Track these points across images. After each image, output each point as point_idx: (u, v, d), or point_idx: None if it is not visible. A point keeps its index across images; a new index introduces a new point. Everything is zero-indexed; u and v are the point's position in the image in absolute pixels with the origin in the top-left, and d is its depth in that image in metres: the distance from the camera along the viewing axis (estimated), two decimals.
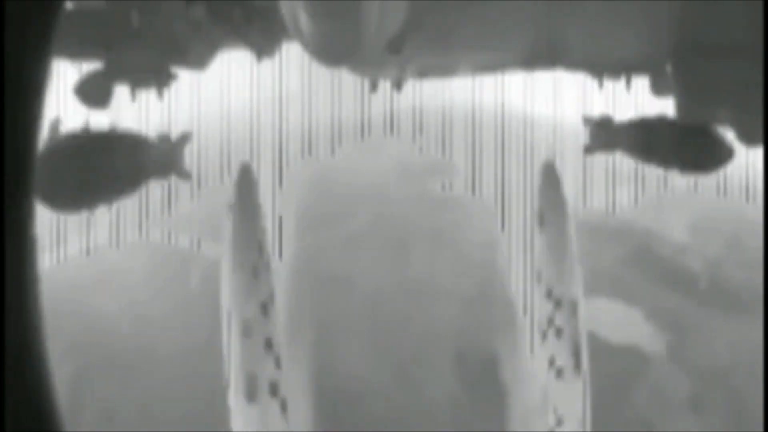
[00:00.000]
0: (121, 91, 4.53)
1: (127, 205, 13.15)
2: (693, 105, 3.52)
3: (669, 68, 3.89)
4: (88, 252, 13.44)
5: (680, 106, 3.62)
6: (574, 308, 7.57)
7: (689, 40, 3.29)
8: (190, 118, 11.79)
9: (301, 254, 14.81)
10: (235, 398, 7.00)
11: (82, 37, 3.86)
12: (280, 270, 14.29)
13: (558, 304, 7.48)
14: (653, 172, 14.32)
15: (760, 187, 11.27)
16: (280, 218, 15.40)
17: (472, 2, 2.78)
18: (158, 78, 4.45)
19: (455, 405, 12.01)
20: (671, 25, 3.19)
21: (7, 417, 1.17)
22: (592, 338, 12.82)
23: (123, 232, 13.76)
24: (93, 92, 4.46)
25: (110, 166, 4.96)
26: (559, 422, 6.98)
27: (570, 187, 14.80)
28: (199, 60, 4.40)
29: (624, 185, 14.96)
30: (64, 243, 11.51)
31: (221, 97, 12.26)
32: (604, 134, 5.82)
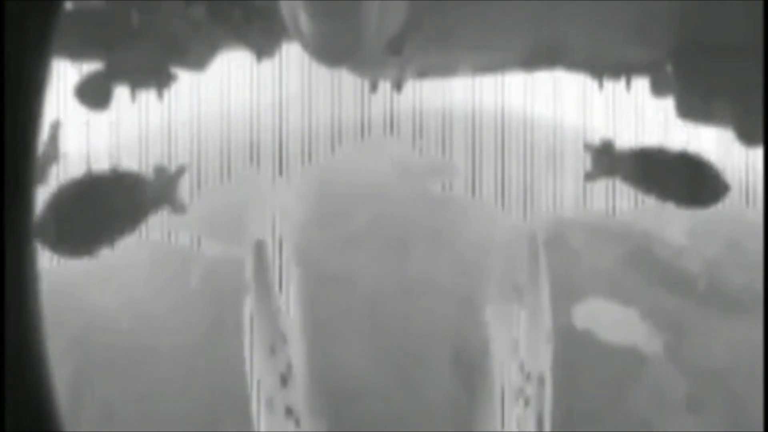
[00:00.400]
0: (121, 92, 4.53)
1: None
2: (693, 105, 3.52)
3: (669, 68, 3.89)
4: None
5: (680, 107, 3.62)
6: (542, 382, 8.25)
7: (689, 41, 3.29)
8: (190, 118, 11.81)
9: (301, 253, 14.81)
10: None
11: (82, 37, 3.85)
12: (279, 268, 14.31)
13: (528, 377, 8.20)
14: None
15: (760, 190, 11.27)
16: (280, 218, 15.43)
17: (472, 2, 2.78)
18: (158, 78, 4.45)
19: (453, 404, 12.03)
20: (671, 26, 3.19)
21: (7, 417, 1.17)
22: (591, 338, 12.88)
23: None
24: (93, 93, 4.46)
25: (111, 210, 5.04)
26: None
27: (570, 188, 14.86)
28: (199, 60, 4.39)
29: (624, 188, 14.94)
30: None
31: (221, 98, 12.26)
32: (606, 161, 5.88)
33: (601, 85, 4.44)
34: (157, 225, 13.82)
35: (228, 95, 12.07)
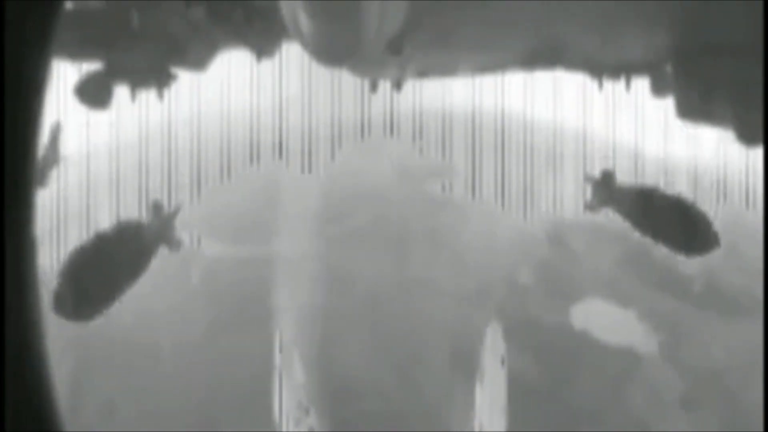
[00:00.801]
0: (121, 92, 4.52)
1: (128, 205, 13.15)
2: (693, 105, 3.51)
3: (669, 69, 3.89)
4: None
5: (680, 107, 3.61)
6: None
7: (689, 41, 3.29)
8: (190, 118, 11.80)
9: (301, 253, 14.82)
10: None
11: (82, 37, 3.84)
12: (281, 268, 14.30)
13: None
14: (653, 177, 14.36)
15: (760, 193, 11.28)
16: (280, 218, 15.39)
17: (472, 2, 2.77)
18: (158, 78, 4.44)
19: (451, 401, 12.05)
20: (671, 26, 3.18)
21: (7, 417, 1.17)
22: (588, 338, 12.86)
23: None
24: (93, 93, 4.45)
25: (118, 267, 5.16)
26: None
27: (570, 189, 14.83)
28: (199, 60, 4.39)
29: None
30: (65, 240, 11.51)
31: (221, 98, 12.25)
32: (605, 192, 5.94)
33: (601, 85, 4.43)
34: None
35: (228, 95, 12.07)
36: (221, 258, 14.71)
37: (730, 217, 14.35)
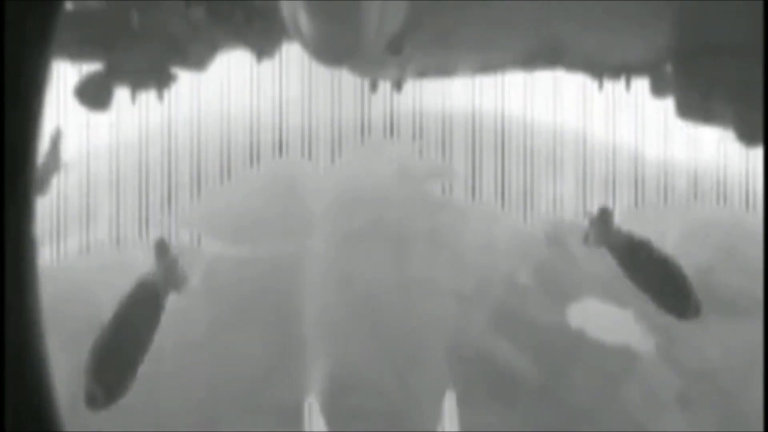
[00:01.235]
0: (121, 92, 4.52)
1: (128, 205, 13.14)
2: (693, 105, 3.51)
3: (669, 68, 3.88)
4: (88, 248, 13.49)
5: (680, 107, 3.61)
6: None
7: (689, 41, 3.28)
8: (190, 118, 11.80)
9: (302, 253, 14.83)
10: None
11: (82, 37, 3.84)
12: (281, 266, 14.32)
13: None
14: (653, 178, 14.37)
15: (760, 195, 11.31)
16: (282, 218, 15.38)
17: (472, 2, 2.77)
18: (158, 79, 4.43)
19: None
20: (671, 26, 3.18)
21: (7, 417, 1.17)
22: (585, 338, 12.90)
23: (123, 229, 13.79)
24: (93, 93, 4.44)
25: (139, 339, 5.19)
26: None
27: (570, 190, 14.83)
28: (199, 61, 4.38)
29: (624, 190, 15.01)
30: (64, 239, 11.54)
31: (221, 98, 12.25)
32: (602, 231, 6.01)
33: (601, 86, 4.43)
34: (157, 224, 13.85)
35: (228, 95, 12.08)
36: (221, 258, 14.72)
37: (730, 217, 14.41)
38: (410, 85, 4.99)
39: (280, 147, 12.81)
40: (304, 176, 16.27)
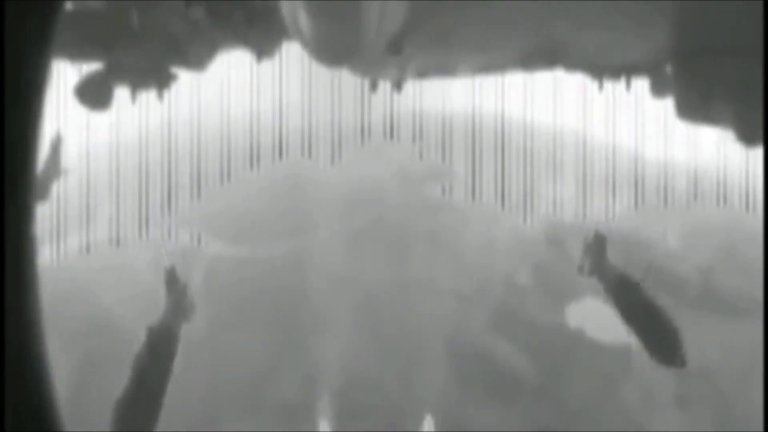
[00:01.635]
0: (121, 92, 4.52)
1: (128, 205, 13.15)
2: (693, 105, 3.51)
3: (669, 69, 3.88)
4: (88, 249, 13.51)
5: (680, 107, 3.61)
6: None
7: (689, 41, 3.28)
8: (190, 119, 11.80)
9: (302, 252, 14.84)
10: None
11: (82, 37, 3.84)
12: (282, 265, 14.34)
13: None
14: (653, 178, 14.37)
15: (760, 196, 11.32)
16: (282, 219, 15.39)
17: (472, 2, 2.77)
18: (158, 79, 4.43)
19: (447, 396, 12.10)
20: (671, 26, 3.18)
21: (7, 417, 1.17)
22: (583, 337, 12.92)
23: (123, 229, 13.79)
24: (93, 93, 4.43)
25: (157, 388, 5.19)
26: None
27: (570, 191, 14.82)
28: (199, 60, 4.38)
29: (624, 191, 15.01)
30: (64, 240, 11.55)
31: (221, 98, 12.25)
32: (596, 258, 6.02)
33: (601, 86, 4.43)
34: (158, 224, 13.85)
35: (228, 96, 12.08)
36: (222, 258, 14.74)
37: (730, 218, 14.42)
38: (410, 86, 4.98)
39: (281, 148, 12.81)
40: (305, 177, 16.29)
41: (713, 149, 11.98)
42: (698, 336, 12.99)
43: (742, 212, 12.76)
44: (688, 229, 15.36)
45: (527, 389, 12.12)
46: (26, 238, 1.26)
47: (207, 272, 14.30)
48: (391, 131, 13.32)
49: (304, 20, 2.67)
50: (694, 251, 14.73)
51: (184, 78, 4.60)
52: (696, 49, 3.18)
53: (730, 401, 11.85)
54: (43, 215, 8.97)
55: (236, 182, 14.36)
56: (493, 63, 3.87)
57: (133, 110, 4.82)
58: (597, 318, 13.37)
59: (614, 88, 4.43)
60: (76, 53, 4.00)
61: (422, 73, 4.08)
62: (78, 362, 11.71)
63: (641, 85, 4.37)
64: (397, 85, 4.43)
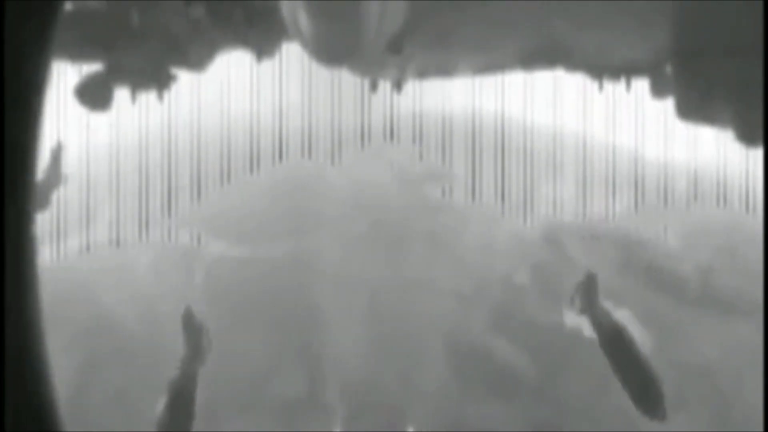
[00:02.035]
0: (121, 93, 4.51)
1: (128, 206, 13.14)
2: (693, 105, 3.51)
3: (669, 69, 3.88)
4: (87, 249, 13.53)
5: (680, 107, 3.61)
6: None
7: (689, 41, 3.28)
8: (190, 120, 11.81)
9: (303, 252, 14.85)
10: None
11: (82, 37, 3.83)
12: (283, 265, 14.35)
13: None
14: (653, 178, 14.37)
15: (760, 196, 11.33)
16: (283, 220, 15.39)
17: (472, 2, 2.76)
18: (158, 79, 4.42)
19: (447, 394, 12.12)
20: (671, 26, 3.18)
21: (7, 417, 1.17)
22: (582, 336, 12.95)
23: (123, 230, 13.80)
24: (93, 94, 4.43)
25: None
26: None
27: (570, 192, 14.82)
28: (199, 61, 4.37)
29: (624, 191, 15.01)
30: (64, 240, 11.56)
31: (221, 99, 12.26)
32: (587, 297, 6.00)
33: (601, 86, 4.43)
34: (158, 224, 13.84)
35: (228, 96, 12.08)
36: (222, 258, 14.74)
37: (730, 218, 14.43)
38: (410, 86, 4.98)
39: (281, 149, 12.82)
40: (305, 178, 16.29)
41: (713, 149, 11.97)
42: (697, 335, 13.00)
43: (742, 212, 12.77)
44: (688, 229, 15.37)
45: (526, 387, 12.14)
46: (26, 238, 1.26)
47: (207, 273, 14.31)
48: (391, 132, 13.34)
49: (304, 20, 2.66)
50: (694, 251, 14.74)
51: (184, 78, 4.60)
52: (696, 49, 3.18)
53: (729, 400, 11.87)
54: (43, 216, 8.97)
55: (236, 183, 14.37)
56: (493, 63, 3.87)
57: (133, 111, 4.82)
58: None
59: (614, 88, 4.43)
60: (76, 53, 3.99)
61: (422, 74, 4.09)
62: (81, 364, 11.74)
63: (641, 85, 4.37)
64: (397, 85, 4.43)
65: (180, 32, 3.96)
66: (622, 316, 13.53)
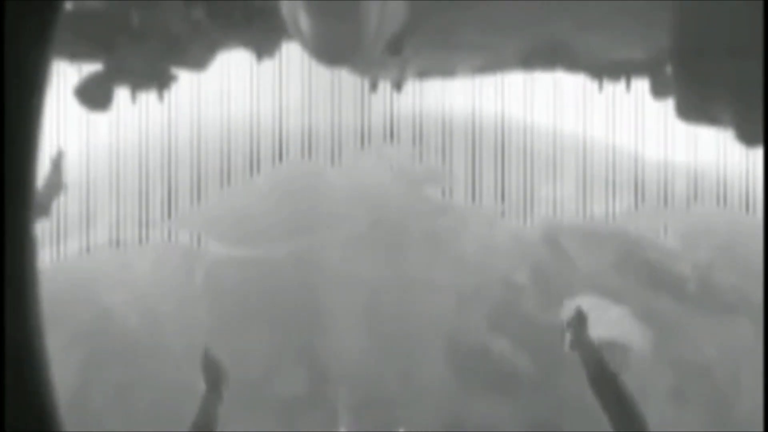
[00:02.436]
0: (121, 93, 4.50)
1: (128, 207, 13.13)
2: (693, 106, 3.50)
3: (669, 69, 3.88)
4: (88, 250, 13.54)
5: (680, 107, 3.60)
6: None
7: (689, 41, 3.28)
8: (190, 120, 11.81)
9: (303, 253, 14.85)
10: None
11: (82, 37, 3.82)
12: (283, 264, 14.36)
13: None
14: (653, 179, 14.38)
15: (760, 196, 11.34)
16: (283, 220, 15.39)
17: (472, 2, 2.76)
18: (159, 79, 4.41)
19: (446, 392, 12.13)
20: (671, 26, 3.17)
21: (7, 417, 1.17)
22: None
23: (123, 230, 13.79)
24: (93, 94, 4.42)
25: None
26: None
27: (570, 191, 14.82)
28: (199, 61, 4.36)
29: (624, 191, 15.01)
30: (64, 240, 11.56)
31: (221, 99, 12.26)
32: (577, 333, 5.97)
33: (600, 87, 4.43)
34: (158, 225, 13.84)
35: (228, 96, 12.08)
36: (223, 259, 14.75)
37: (730, 218, 14.44)
38: (410, 87, 4.98)
39: (281, 150, 12.82)
40: (305, 178, 16.30)
41: (713, 149, 11.98)
42: (696, 333, 13.02)
43: (742, 213, 12.79)
44: (687, 230, 15.39)
45: (526, 384, 12.17)
46: (26, 237, 1.26)
47: (208, 273, 14.32)
48: (391, 133, 13.34)
49: (304, 20, 2.66)
50: (693, 251, 14.75)
51: (184, 78, 4.59)
52: (696, 49, 3.17)
53: (727, 398, 11.90)
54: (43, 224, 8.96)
55: (236, 184, 14.38)
56: (493, 63, 3.87)
57: (133, 111, 4.81)
58: (594, 314, 13.47)
59: (614, 88, 4.42)
60: (76, 53, 3.98)
61: (422, 74, 4.08)
62: (83, 364, 11.75)
63: (641, 85, 4.37)
64: (397, 86, 4.43)
65: (180, 32, 3.95)
66: (621, 313, 13.57)
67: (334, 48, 2.75)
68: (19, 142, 1.24)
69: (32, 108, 1.26)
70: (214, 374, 4.10)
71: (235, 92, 11.36)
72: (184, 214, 14.27)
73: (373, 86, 4.52)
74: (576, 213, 15.15)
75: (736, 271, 14.05)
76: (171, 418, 11.58)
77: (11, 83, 1.22)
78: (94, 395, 11.54)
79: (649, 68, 4.14)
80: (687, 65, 3.35)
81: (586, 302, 13.76)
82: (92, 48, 3.95)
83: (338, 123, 12.77)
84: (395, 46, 2.82)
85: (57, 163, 7.58)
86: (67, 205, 10.20)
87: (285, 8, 2.86)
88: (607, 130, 12.00)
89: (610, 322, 13.39)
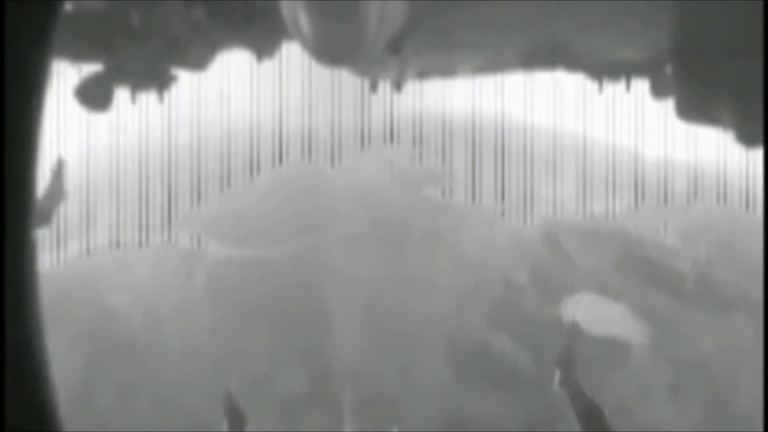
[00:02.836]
0: (121, 93, 4.50)
1: (128, 207, 13.14)
2: (693, 106, 3.50)
3: (669, 69, 3.88)
4: (87, 252, 13.54)
5: (680, 107, 3.61)
6: None
7: (689, 41, 3.28)
8: (190, 120, 11.80)
9: (303, 253, 14.86)
10: None
11: (82, 37, 3.82)
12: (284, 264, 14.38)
13: None
14: (653, 178, 14.37)
15: (760, 195, 11.34)
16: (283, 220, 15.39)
17: (472, 2, 2.76)
18: (158, 79, 4.41)
19: (446, 390, 12.14)
20: (671, 26, 3.17)
21: (7, 417, 1.17)
22: (578, 330, 12.97)
23: (123, 232, 13.80)
24: (93, 94, 4.42)
25: None
26: None
27: (570, 191, 14.82)
28: (199, 61, 4.36)
29: (624, 191, 15.02)
30: (64, 242, 11.56)
31: (221, 99, 12.25)
32: (565, 372, 5.97)
33: (600, 87, 4.43)
34: (158, 227, 13.86)
35: (228, 96, 12.07)
36: (224, 259, 14.76)
37: (729, 217, 14.45)
38: (410, 87, 4.98)
39: (281, 151, 12.82)
40: (305, 179, 16.31)
41: (713, 149, 11.97)
42: (696, 331, 13.04)
43: (742, 213, 12.80)
44: (687, 229, 15.40)
45: (526, 382, 12.19)
46: (26, 238, 1.26)
47: (208, 275, 14.32)
48: (391, 134, 13.34)
49: (304, 20, 2.66)
50: (693, 249, 14.77)
51: (184, 78, 4.59)
52: (696, 49, 3.17)
53: (725, 395, 11.93)
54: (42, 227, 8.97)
55: (237, 185, 14.38)
56: (493, 63, 3.87)
57: (133, 111, 4.81)
58: (591, 313, 13.46)
59: (614, 88, 4.42)
60: (76, 53, 3.98)
61: (422, 74, 4.09)
62: (84, 365, 11.76)
63: (641, 85, 4.37)
64: (397, 86, 4.43)
65: (180, 32, 3.95)
66: (619, 310, 13.58)
67: (334, 48, 2.75)
68: (19, 142, 1.24)
69: (32, 108, 1.26)
70: (237, 420, 4.12)
71: (235, 93, 11.35)
72: (184, 216, 14.28)
73: (373, 86, 4.52)
74: (576, 212, 15.16)
75: (735, 268, 14.06)
76: (172, 418, 11.59)
77: (11, 83, 1.22)
78: (96, 395, 11.55)
79: (649, 68, 4.15)
80: (687, 65, 3.34)
81: (586, 300, 13.77)
82: (92, 48, 3.95)
83: (338, 123, 12.77)
84: (395, 46, 2.82)
85: (58, 173, 7.57)
86: (67, 208, 10.22)
87: (285, 8, 2.86)
88: (607, 130, 12.00)
89: (610, 319, 13.40)
